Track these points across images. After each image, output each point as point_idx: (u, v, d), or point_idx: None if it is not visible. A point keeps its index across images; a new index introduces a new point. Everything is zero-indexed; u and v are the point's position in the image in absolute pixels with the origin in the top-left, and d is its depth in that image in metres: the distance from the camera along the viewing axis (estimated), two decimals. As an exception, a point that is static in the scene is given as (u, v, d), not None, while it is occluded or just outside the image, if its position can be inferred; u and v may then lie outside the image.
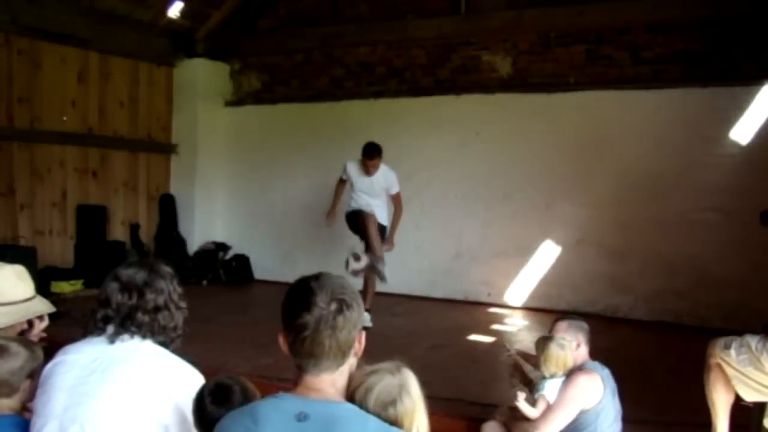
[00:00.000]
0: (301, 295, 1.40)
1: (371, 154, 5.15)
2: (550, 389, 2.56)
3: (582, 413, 2.49)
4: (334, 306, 1.38)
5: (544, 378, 2.59)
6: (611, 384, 2.56)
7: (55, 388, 1.70)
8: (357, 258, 5.01)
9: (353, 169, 5.30)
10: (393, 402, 1.40)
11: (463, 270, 6.61)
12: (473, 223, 6.54)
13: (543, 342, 2.59)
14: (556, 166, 6.14)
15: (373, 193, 5.29)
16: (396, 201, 5.41)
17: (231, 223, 7.94)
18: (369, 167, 5.18)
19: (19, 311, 2.12)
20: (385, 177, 5.30)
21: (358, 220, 5.21)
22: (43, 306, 2.25)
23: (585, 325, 2.71)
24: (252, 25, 7.78)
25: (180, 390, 1.68)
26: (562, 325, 2.67)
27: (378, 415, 1.38)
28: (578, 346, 2.61)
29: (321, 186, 7.13)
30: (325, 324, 1.37)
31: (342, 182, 5.50)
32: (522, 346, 4.86)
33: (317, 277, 1.44)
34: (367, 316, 5.11)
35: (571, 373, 2.55)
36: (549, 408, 2.53)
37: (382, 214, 5.33)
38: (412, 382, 1.44)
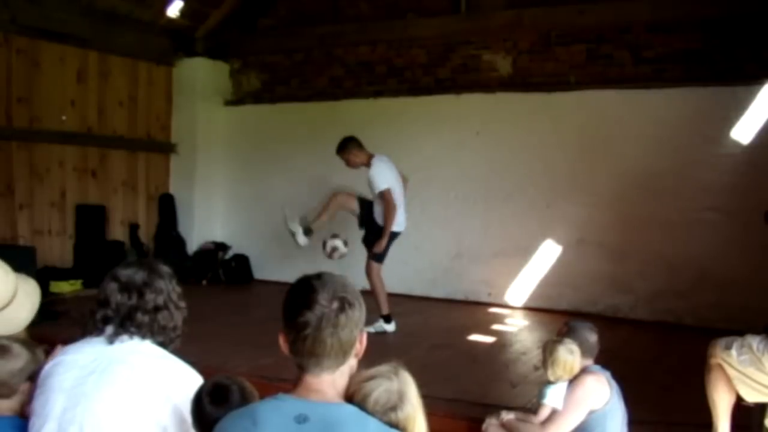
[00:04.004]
0: (302, 293, 1.40)
1: (336, 152, 5.14)
2: (552, 396, 2.56)
3: (591, 415, 2.50)
4: (336, 304, 1.38)
5: (548, 383, 2.59)
6: (615, 386, 2.58)
7: (54, 389, 1.69)
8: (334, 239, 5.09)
9: None
10: (393, 408, 1.39)
11: (463, 270, 6.60)
12: (473, 222, 6.53)
13: (552, 345, 2.58)
14: (556, 166, 6.13)
15: (369, 191, 5.15)
16: (382, 200, 5.01)
17: (230, 222, 7.93)
18: (345, 163, 5.16)
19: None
20: (369, 173, 5.01)
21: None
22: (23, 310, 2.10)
23: (593, 326, 2.72)
24: (252, 24, 7.77)
25: (179, 391, 1.67)
26: (572, 329, 2.69)
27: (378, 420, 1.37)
28: (585, 352, 2.62)
29: (321, 185, 7.12)
30: (327, 322, 1.36)
31: None
32: (522, 346, 4.89)
33: (319, 276, 1.43)
34: (383, 324, 5.07)
35: (576, 376, 2.56)
36: (557, 411, 2.53)
37: (377, 216, 5.14)
38: (410, 388, 1.43)
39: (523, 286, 6.33)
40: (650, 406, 3.30)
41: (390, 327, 5.10)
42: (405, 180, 5.31)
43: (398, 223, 5.08)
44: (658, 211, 5.73)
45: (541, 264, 6.23)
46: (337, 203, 5.22)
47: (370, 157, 5.09)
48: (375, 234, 5.09)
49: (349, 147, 5.08)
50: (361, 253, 5.35)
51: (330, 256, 5.08)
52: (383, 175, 5.00)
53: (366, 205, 5.23)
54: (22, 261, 4.42)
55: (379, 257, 5.10)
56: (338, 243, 5.08)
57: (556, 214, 6.14)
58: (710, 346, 2.74)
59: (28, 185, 6.43)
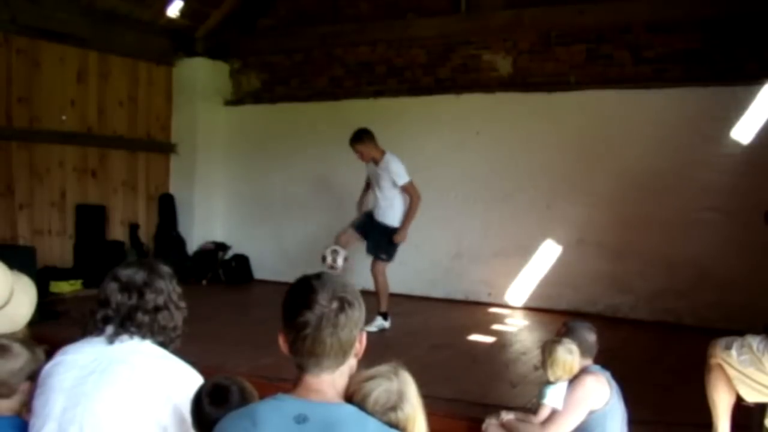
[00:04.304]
0: (302, 293, 1.40)
1: (350, 142, 5.03)
2: (552, 396, 2.56)
3: (591, 415, 2.50)
4: (335, 304, 1.38)
5: (547, 384, 2.59)
6: (615, 386, 2.58)
7: (54, 389, 1.69)
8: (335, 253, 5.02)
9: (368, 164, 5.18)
10: (393, 408, 1.39)
11: (463, 270, 6.59)
12: (473, 222, 6.53)
13: (551, 346, 2.58)
14: (556, 166, 6.13)
15: (379, 186, 5.09)
16: (406, 193, 5.06)
17: (230, 222, 7.93)
18: (359, 154, 5.04)
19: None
20: (387, 167, 5.02)
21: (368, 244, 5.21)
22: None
23: (591, 326, 2.73)
24: (252, 24, 7.77)
25: (179, 391, 1.68)
26: (571, 330, 2.68)
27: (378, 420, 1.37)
28: (584, 352, 2.62)
29: (321, 185, 7.14)
30: (327, 322, 1.36)
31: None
32: (522, 346, 4.89)
33: (319, 275, 1.44)
34: (382, 321, 5.09)
35: (576, 376, 2.56)
36: (557, 411, 2.53)
37: (389, 213, 5.09)
38: (410, 387, 1.43)
39: (523, 286, 6.33)
40: (650, 406, 3.30)
41: (387, 323, 5.15)
42: None
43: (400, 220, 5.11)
44: (658, 211, 5.73)
45: (541, 264, 6.23)
46: (343, 245, 5.16)
47: (383, 152, 5.07)
48: (387, 235, 5.09)
49: (365, 139, 5.01)
50: (363, 252, 5.35)
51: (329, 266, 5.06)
52: (405, 168, 5.04)
53: (365, 222, 5.22)
54: (22, 261, 4.41)
55: (390, 256, 5.13)
56: (330, 260, 5.06)
57: (556, 214, 6.14)
58: (710, 346, 2.74)
59: (28, 185, 6.43)
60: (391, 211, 5.10)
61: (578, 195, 6.04)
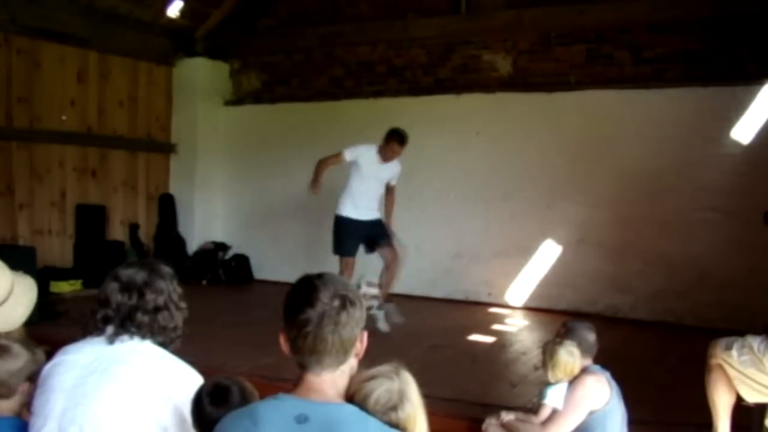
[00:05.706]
0: (304, 291, 1.41)
1: (403, 141, 4.96)
2: (552, 396, 2.56)
3: (591, 415, 2.50)
4: (337, 302, 1.38)
5: (548, 385, 2.59)
6: (615, 386, 2.58)
7: (54, 389, 1.69)
8: (370, 284, 4.93)
9: (368, 154, 5.03)
10: (393, 408, 1.39)
11: (463, 270, 6.60)
12: (473, 222, 6.53)
13: (552, 347, 2.58)
14: (556, 166, 6.13)
15: (379, 182, 5.13)
16: (392, 192, 5.29)
17: (230, 222, 7.93)
18: (394, 154, 4.98)
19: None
20: (396, 166, 5.14)
21: (375, 241, 5.10)
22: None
23: (591, 326, 2.73)
24: (252, 24, 7.77)
25: (179, 391, 1.67)
26: (570, 329, 2.68)
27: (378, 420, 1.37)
28: (584, 352, 2.62)
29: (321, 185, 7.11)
30: (329, 319, 1.37)
31: (336, 158, 5.11)
32: (522, 346, 4.89)
33: (320, 275, 1.44)
34: (380, 314, 5.02)
35: (576, 376, 2.56)
36: (558, 411, 2.53)
37: (376, 207, 5.19)
38: (411, 387, 1.43)
39: (523, 286, 6.33)
40: (650, 406, 3.30)
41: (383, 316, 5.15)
42: None
43: None
44: (657, 211, 5.73)
45: (541, 264, 6.23)
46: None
47: None
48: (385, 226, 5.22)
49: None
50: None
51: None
52: None
53: (359, 235, 5.18)
54: (22, 261, 4.40)
55: None
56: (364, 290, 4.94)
57: (556, 214, 6.14)
58: (710, 346, 2.74)
59: (28, 185, 6.43)
60: (378, 205, 5.23)
61: (578, 195, 6.04)
